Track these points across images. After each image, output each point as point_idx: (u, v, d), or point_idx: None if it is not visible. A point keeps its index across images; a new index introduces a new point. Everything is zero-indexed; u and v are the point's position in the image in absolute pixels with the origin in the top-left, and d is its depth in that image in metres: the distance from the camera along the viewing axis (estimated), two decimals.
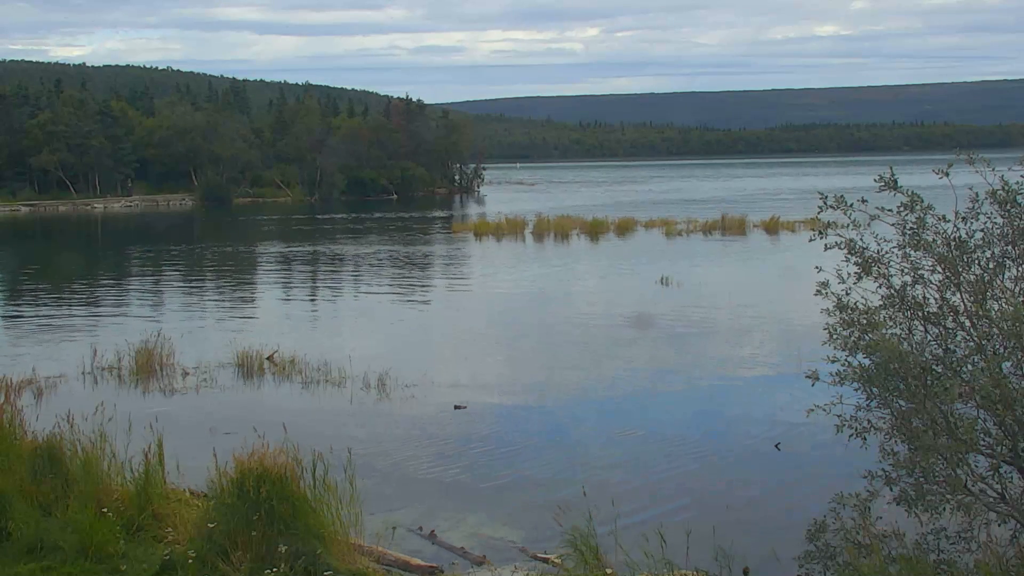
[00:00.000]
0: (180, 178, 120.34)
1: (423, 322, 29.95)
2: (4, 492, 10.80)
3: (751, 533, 12.10)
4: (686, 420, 17.83)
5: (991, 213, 8.65)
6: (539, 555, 11.11)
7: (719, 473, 14.82)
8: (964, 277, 8.53)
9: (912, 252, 8.73)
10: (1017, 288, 8.54)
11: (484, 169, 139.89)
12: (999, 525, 8.82)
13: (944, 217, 8.71)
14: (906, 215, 8.77)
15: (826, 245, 9.10)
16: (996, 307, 8.37)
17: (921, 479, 8.46)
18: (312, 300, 36.05)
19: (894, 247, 8.86)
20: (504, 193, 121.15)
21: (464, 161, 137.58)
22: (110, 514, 10.37)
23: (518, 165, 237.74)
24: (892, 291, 8.83)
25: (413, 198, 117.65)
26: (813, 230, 9.30)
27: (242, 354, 21.90)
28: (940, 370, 8.33)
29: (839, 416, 8.76)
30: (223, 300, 36.07)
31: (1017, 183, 8.51)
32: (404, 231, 68.03)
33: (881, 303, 8.82)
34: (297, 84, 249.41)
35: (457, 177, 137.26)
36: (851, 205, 8.95)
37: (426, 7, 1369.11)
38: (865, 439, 8.81)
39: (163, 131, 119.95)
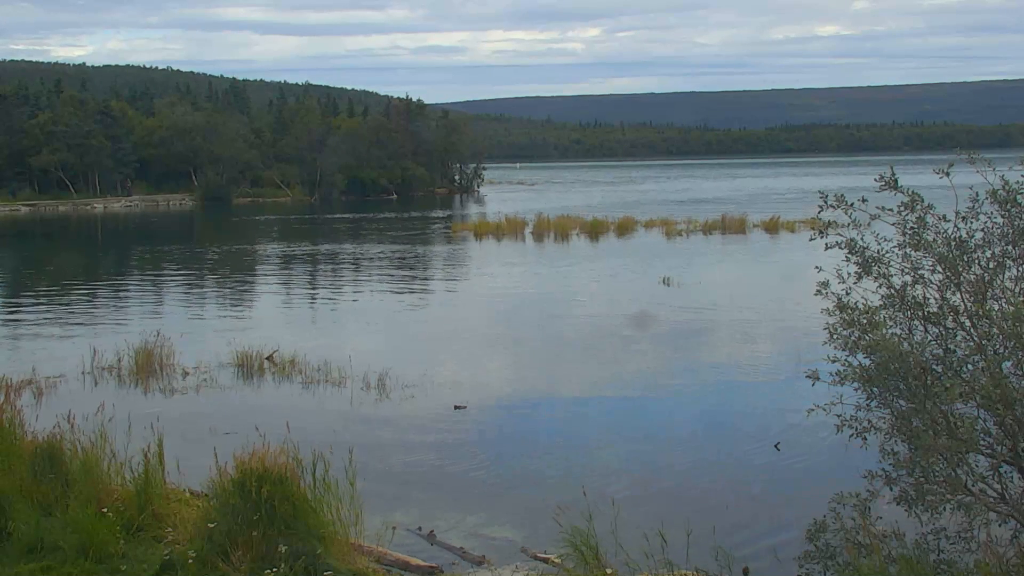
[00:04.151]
0: (180, 178, 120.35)
1: (423, 322, 29.94)
2: (4, 492, 10.80)
3: (751, 533, 12.11)
4: (686, 420, 17.83)
5: (991, 213, 8.65)
6: (539, 555, 11.11)
7: (719, 473, 14.81)
8: (964, 277, 8.53)
9: (912, 252, 8.72)
10: (1017, 288, 8.53)
11: (484, 169, 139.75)
12: (999, 525, 8.81)
13: (944, 217, 8.71)
14: (906, 215, 8.77)
15: (826, 245, 9.10)
16: (996, 307, 8.37)
17: (921, 479, 8.46)
18: (312, 300, 36.04)
19: (894, 247, 8.86)
20: (504, 193, 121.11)
21: (464, 161, 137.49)
22: (110, 514, 10.36)
23: (518, 165, 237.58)
24: (892, 291, 8.83)
25: (413, 198, 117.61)
26: (813, 230, 9.30)
27: (242, 354, 21.90)
28: (940, 370, 8.33)
29: (839, 416, 8.76)
30: (223, 300, 36.08)
31: (1017, 183, 8.51)
32: (404, 231, 68.01)
33: (881, 303, 8.82)
34: (297, 84, 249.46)
35: (457, 177, 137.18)
36: (851, 205, 8.95)
37: (428, 7, 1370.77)
38: (865, 439, 8.81)
39: (163, 131, 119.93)
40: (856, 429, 8.76)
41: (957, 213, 8.65)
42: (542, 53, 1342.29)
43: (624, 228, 59.22)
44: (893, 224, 8.86)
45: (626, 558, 9.91)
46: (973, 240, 8.59)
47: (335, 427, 16.49)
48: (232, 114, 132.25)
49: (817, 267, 9.02)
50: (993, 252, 8.57)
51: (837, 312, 8.82)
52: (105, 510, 10.41)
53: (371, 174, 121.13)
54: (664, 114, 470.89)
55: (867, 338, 8.42)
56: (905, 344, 8.45)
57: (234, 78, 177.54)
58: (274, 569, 9.20)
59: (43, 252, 59.90)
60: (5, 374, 19.51)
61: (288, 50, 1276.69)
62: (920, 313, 8.68)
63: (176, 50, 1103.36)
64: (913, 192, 8.82)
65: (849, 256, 8.98)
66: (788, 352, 22.40)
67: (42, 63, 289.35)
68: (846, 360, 8.66)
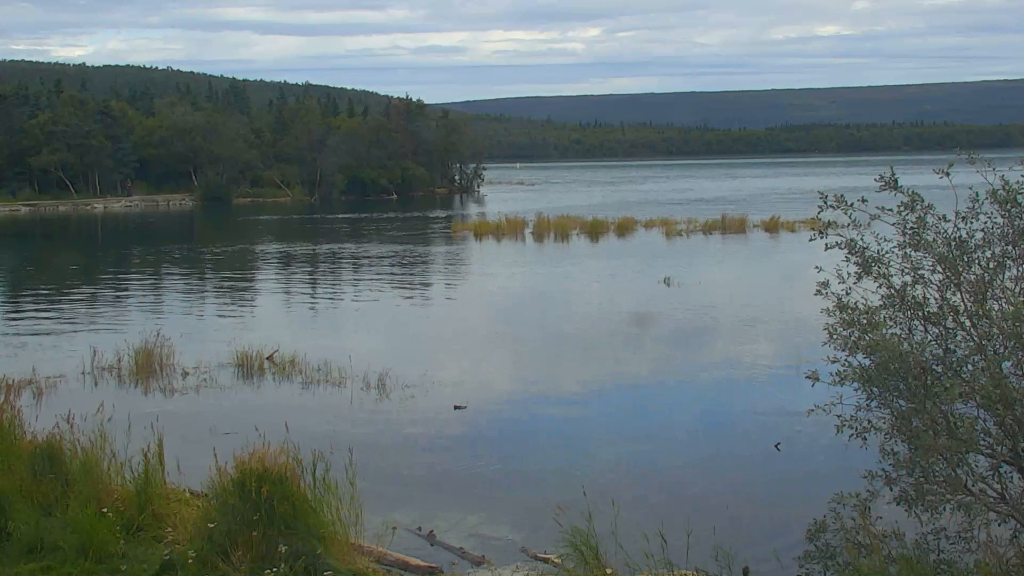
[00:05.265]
0: (180, 178, 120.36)
1: (423, 322, 29.94)
2: (4, 492, 10.80)
3: (751, 533, 12.11)
4: (686, 420, 17.84)
5: (991, 213, 8.66)
6: (539, 555, 11.11)
7: (719, 473, 14.82)
8: (964, 277, 8.53)
9: (912, 252, 8.73)
10: (1017, 288, 8.54)
11: (484, 169, 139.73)
12: (999, 525, 8.82)
13: (944, 217, 8.72)
14: (906, 215, 8.77)
15: (826, 245, 9.11)
16: (996, 307, 8.37)
17: (921, 479, 8.46)
18: (312, 300, 36.04)
19: (894, 247, 8.87)
20: (504, 193, 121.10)
21: (464, 161, 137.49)
22: (110, 514, 10.36)
23: (518, 165, 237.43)
24: (892, 291, 8.84)
25: (413, 198, 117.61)
26: (813, 230, 9.30)
27: (242, 354, 21.90)
28: (940, 370, 8.34)
29: (839, 416, 8.76)
30: (223, 300, 36.07)
31: (1017, 183, 8.51)
32: (404, 231, 68.00)
33: (881, 303, 8.83)
34: (297, 84, 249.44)
35: (457, 177, 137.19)
36: (851, 205, 8.96)
37: (428, 7, 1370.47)
38: (865, 439, 8.82)
39: (163, 131, 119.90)
40: (856, 429, 8.77)
41: (957, 213, 8.66)
42: (542, 53, 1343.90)
43: (624, 228, 59.21)
44: (893, 224, 8.86)
45: (626, 558, 9.91)
46: (973, 240, 8.59)
47: (335, 427, 16.50)
48: (232, 114, 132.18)
49: (817, 267, 9.03)
50: (993, 252, 8.58)
51: (837, 312, 8.83)
52: (105, 510, 10.40)
53: (371, 174, 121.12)
54: (664, 114, 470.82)
55: (867, 338, 8.42)
56: (905, 344, 8.45)
57: (234, 78, 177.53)
58: (274, 569, 9.20)
59: (43, 252, 59.87)
60: (5, 374, 19.51)
61: (288, 50, 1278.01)
62: (920, 313, 8.68)
63: (176, 50, 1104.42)
64: (913, 192, 8.82)
65: (849, 256, 8.99)
66: (788, 352, 22.39)
67: (42, 63, 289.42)
68: (846, 360, 8.66)
